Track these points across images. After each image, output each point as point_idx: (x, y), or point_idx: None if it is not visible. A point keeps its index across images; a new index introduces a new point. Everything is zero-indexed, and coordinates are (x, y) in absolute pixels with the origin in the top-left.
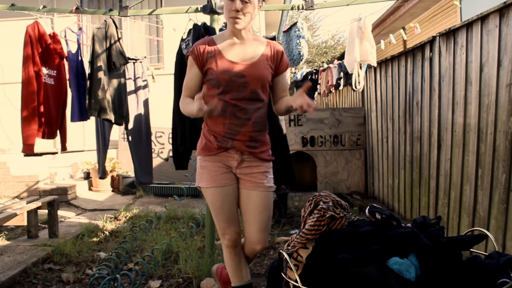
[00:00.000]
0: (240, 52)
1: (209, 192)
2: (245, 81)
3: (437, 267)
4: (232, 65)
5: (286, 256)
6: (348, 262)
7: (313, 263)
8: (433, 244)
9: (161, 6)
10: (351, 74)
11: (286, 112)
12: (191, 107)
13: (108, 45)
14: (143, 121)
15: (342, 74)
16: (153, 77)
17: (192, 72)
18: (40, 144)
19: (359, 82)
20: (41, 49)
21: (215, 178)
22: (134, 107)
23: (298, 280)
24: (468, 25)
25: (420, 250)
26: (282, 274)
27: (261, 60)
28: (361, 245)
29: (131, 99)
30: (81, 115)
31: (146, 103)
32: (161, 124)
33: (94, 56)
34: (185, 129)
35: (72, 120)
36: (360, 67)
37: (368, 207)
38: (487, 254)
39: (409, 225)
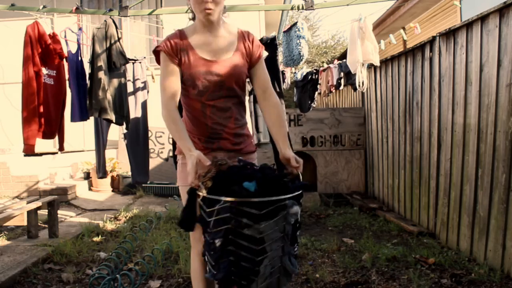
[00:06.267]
0: (214, 47)
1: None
2: (221, 80)
3: (266, 186)
4: (207, 64)
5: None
6: (228, 183)
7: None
8: (263, 176)
9: (161, 6)
10: (354, 73)
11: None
12: (183, 143)
13: (108, 45)
14: (141, 122)
15: (342, 74)
16: (153, 77)
17: (169, 70)
18: (40, 144)
19: (363, 82)
20: (41, 49)
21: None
22: (132, 109)
23: (205, 192)
24: (468, 25)
25: (257, 178)
26: (196, 192)
27: (236, 54)
28: (232, 176)
29: (129, 101)
30: (81, 115)
31: (144, 104)
32: (161, 124)
33: (94, 56)
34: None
35: (72, 120)
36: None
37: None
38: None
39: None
